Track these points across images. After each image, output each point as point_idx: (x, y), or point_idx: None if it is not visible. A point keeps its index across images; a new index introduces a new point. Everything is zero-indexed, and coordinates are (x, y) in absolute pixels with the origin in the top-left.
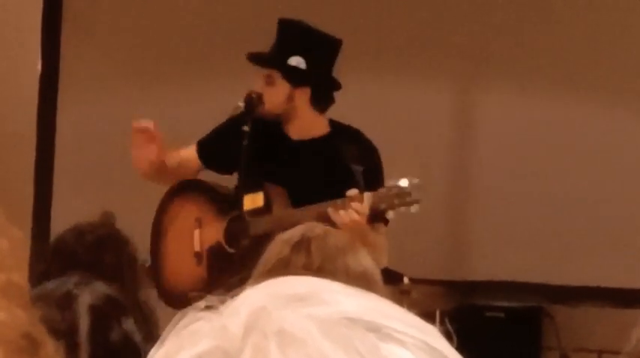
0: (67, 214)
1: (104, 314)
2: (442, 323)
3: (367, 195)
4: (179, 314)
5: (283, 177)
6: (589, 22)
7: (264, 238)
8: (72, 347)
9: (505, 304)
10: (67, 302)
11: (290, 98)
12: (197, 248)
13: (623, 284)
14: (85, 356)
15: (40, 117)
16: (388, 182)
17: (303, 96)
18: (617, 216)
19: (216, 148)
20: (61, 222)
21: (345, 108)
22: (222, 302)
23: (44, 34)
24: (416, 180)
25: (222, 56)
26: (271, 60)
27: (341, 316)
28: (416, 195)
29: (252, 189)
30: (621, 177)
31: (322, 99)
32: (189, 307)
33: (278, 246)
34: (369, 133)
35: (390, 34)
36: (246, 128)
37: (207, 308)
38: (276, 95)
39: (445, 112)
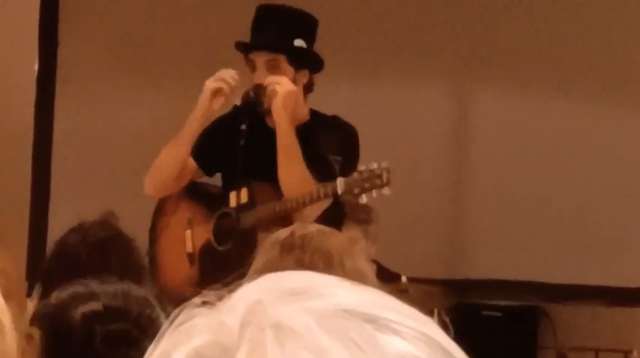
0: (65, 213)
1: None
2: (438, 315)
3: (340, 181)
4: (175, 310)
5: (269, 170)
6: (586, 20)
7: (251, 233)
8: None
9: (502, 303)
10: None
11: (294, 83)
12: (189, 249)
13: (619, 284)
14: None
15: (38, 115)
16: (360, 167)
17: (302, 80)
18: (614, 216)
19: (211, 152)
20: (58, 221)
21: (342, 106)
22: (219, 297)
23: (41, 32)
24: (385, 163)
25: (221, 53)
26: (280, 43)
27: (337, 308)
28: (387, 177)
29: (238, 185)
30: (619, 176)
31: (313, 83)
32: (185, 303)
33: (270, 246)
34: (365, 133)
35: (387, 33)
36: (244, 126)
37: (204, 303)
38: None
39: (441, 112)
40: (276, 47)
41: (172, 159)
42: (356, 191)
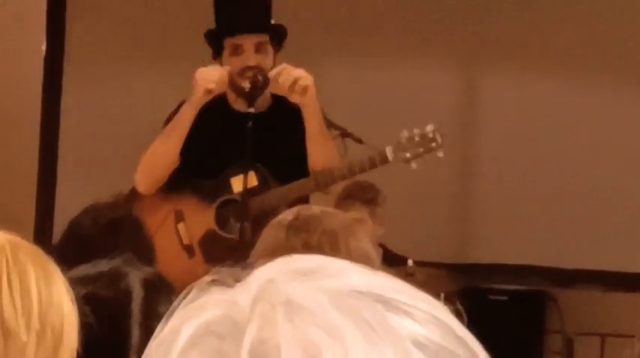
0: (71, 196)
1: (155, 288)
2: (451, 303)
3: (388, 149)
4: (186, 289)
5: (261, 154)
6: (599, 5)
7: (267, 217)
8: (123, 317)
9: (509, 287)
10: (118, 278)
11: (274, 63)
12: (186, 241)
13: (626, 268)
14: (136, 326)
15: (45, 98)
16: (402, 133)
17: (276, 58)
18: (620, 201)
19: (205, 136)
20: (65, 204)
21: (350, 92)
22: (232, 274)
23: (49, 14)
24: (431, 126)
25: None
26: (265, 23)
27: (350, 289)
28: (441, 139)
29: (239, 170)
30: (625, 160)
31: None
32: (196, 281)
33: (275, 228)
34: (373, 116)
35: (394, 17)
36: (252, 110)
37: (214, 281)
38: (270, 62)
39: (450, 95)
40: (263, 27)
41: (164, 157)
42: (408, 156)
